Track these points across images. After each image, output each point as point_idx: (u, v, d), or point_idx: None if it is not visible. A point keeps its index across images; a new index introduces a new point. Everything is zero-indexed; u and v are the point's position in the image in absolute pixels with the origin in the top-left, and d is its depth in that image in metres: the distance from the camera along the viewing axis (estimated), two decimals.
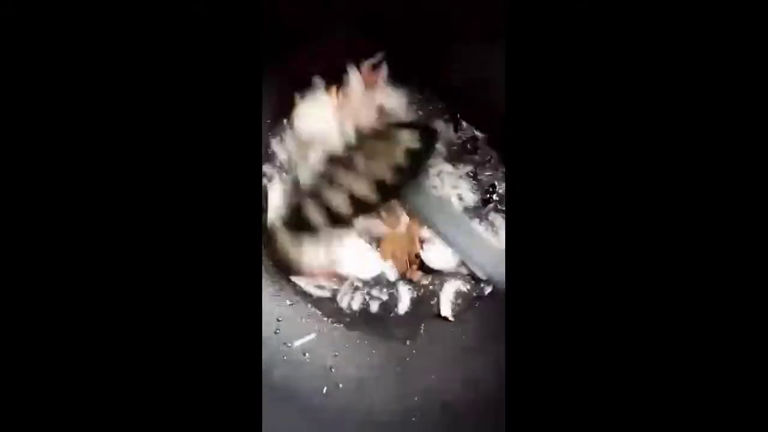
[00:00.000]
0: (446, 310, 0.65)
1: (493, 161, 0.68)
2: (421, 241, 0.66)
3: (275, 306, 0.65)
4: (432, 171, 0.66)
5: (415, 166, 0.57)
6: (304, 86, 0.65)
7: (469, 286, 0.66)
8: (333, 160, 0.61)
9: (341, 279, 0.65)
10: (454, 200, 0.66)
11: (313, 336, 0.64)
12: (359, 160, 0.58)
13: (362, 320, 0.66)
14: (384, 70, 0.66)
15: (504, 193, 0.67)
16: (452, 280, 0.66)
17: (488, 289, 0.66)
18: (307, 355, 0.63)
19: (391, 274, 0.66)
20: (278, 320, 0.64)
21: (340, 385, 0.61)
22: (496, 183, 0.68)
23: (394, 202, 0.59)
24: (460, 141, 0.68)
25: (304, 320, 0.65)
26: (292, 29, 0.59)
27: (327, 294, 0.66)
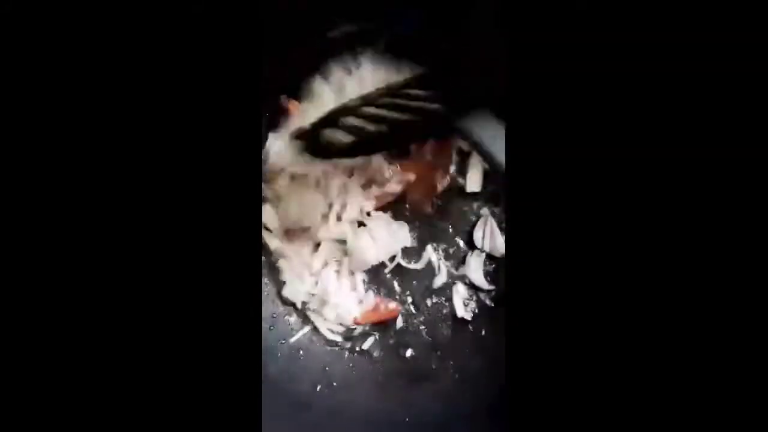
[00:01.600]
0: (461, 311, 0.64)
1: None
2: None
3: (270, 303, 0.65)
4: None
5: None
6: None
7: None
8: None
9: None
10: None
11: (307, 330, 0.64)
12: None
13: None
14: None
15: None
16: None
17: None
18: (301, 352, 0.63)
19: None
20: (273, 316, 0.64)
21: (335, 383, 0.61)
22: None
23: None
24: None
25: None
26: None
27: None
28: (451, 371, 0.62)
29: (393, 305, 0.63)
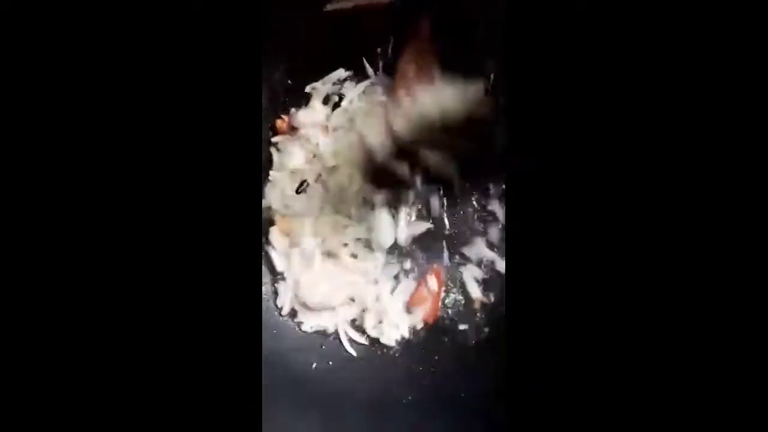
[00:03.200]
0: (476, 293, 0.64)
1: None
2: None
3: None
4: None
5: None
6: None
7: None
8: None
9: None
10: None
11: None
12: None
13: None
14: None
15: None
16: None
17: None
18: (299, 329, 0.63)
19: None
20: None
21: (330, 363, 0.62)
22: None
23: None
24: None
25: None
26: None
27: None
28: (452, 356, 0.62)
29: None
